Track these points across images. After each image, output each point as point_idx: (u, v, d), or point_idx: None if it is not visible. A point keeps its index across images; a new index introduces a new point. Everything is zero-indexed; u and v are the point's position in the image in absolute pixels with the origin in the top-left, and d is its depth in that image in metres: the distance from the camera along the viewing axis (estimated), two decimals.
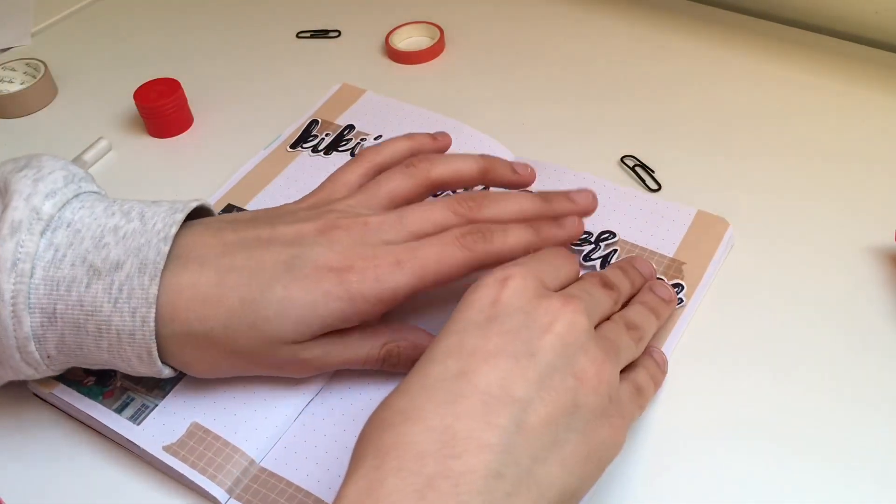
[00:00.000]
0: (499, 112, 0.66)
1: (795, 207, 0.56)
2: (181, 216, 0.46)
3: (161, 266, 0.44)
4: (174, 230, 0.45)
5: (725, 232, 0.53)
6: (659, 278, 0.51)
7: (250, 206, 0.58)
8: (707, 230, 0.54)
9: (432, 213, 0.47)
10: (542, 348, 0.37)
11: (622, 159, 0.61)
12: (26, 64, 0.75)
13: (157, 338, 0.44)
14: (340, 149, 0.61)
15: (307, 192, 0.59)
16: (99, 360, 0.46)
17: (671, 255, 0.52)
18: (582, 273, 0.49)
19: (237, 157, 0.63)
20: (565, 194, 0.51)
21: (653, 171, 0.59)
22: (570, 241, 0.50)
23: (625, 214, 0.55)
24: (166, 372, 0.46)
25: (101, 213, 0.46)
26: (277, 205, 0.57)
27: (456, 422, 0.34)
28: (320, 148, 0.62)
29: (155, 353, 0.44)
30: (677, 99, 0.65)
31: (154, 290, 0.44)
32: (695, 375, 0.48)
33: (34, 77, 0.74)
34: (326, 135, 0.63)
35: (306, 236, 0.46)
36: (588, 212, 0.51)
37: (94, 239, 0.45)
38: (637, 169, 0.60)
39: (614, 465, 0.44)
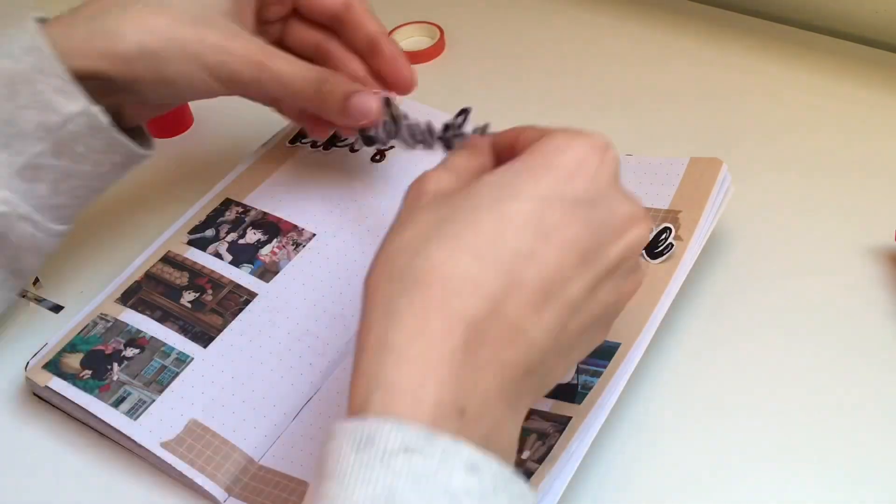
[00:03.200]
0: (499, 112, 0.66)
1: (795, 207, 0.56)
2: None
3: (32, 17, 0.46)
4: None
5: (720, 170, 0.52)
6: None
7: (248, 200, 0.58)
8: (701, 174, 0.52)
9: None
10: (609, 256, 0.36)
11: None
12: None
13: (86, 62, 0.45)
14: (339, 144, 0.61)
15: (307, 188, 0.59)
16: (30, 126, 0.45)
17: (666, 207, 0.51)
18: None
19: (237, 157, 0.63)
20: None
21: None
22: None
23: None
24: (96, 109, 0.46)
25: None
26: (276, 199, 0.58)
27: (512, 309, 0.33)
28: (319, 143, 0.62)
29: (68, 76, 0.45)
30: (677, 99, 0.65)
31: (34, 23, 0.45)
32: (693, 375, 0.48)
33: None
34: None
35: None
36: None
37: None
38: None
39: (596, 470, 0.44)
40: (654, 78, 0.68)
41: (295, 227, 0.56)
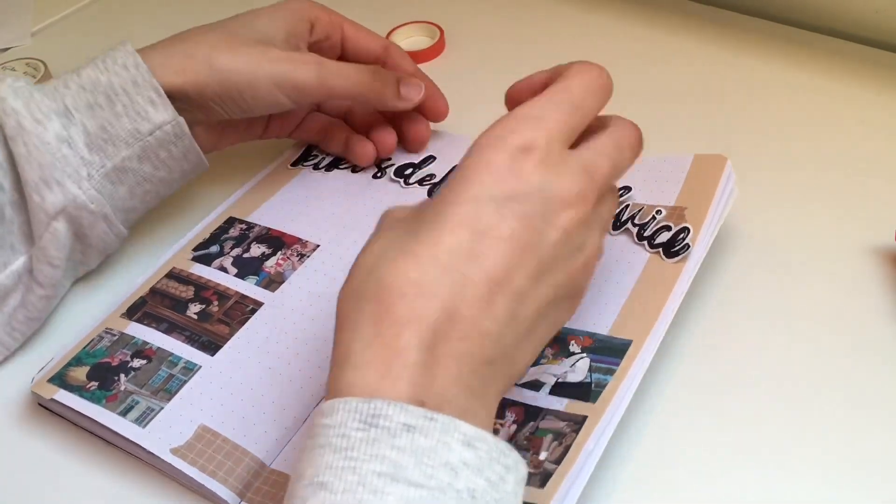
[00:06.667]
0: (499, 112, 0.65)
1: (795, 207, 0.56)
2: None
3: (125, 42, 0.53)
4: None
5: (724, 167, 0.52)
6: None
7: (252, 218, 0.59)
8: (706, 171, 0.52)
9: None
10: (549, 243, 0.38)
11: None
12: (26, 64, 0.75)
13: (165, 78, 0.52)
14: (342, 167, 0.62)
15: (310, 204, 0.60)
16: (123, 132, 0.51)
17: (672, 204, 0.52)
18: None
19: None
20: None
21: None
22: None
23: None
24: (182, 119, 0.52)
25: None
26: (280, 216, 0.59)
27: (463, 305, 0.36)
28: (321, 166, 0.62)
29: (161, 89, 0.51)
30: (677, 98, 0.65)
31: (129, 45, 0.53)
32: (694, 376, 0.48)
33: (34, 77, 0.73)
34: (327, 155, 0.63)
35: None
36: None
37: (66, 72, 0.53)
38: None
39: (610, 468, 0.44)
40: (654, 78, 0.68)
41: (299, 239, 0.56)
